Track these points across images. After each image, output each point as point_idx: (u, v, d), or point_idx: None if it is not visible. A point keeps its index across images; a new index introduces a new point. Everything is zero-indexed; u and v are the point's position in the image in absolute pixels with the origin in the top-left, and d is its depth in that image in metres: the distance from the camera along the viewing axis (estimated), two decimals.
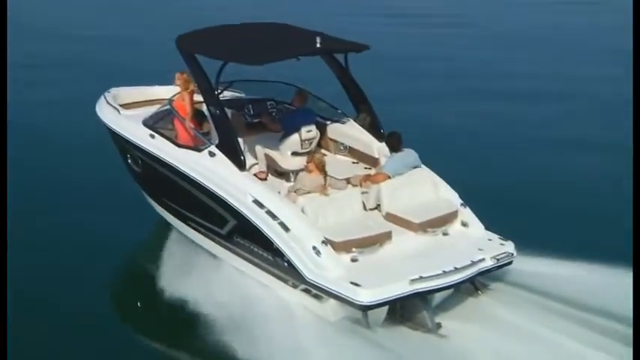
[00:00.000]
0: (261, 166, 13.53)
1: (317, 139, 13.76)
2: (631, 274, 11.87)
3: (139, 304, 12.70)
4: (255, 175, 13.07)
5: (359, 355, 10.72)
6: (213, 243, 12.98)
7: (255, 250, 12.03)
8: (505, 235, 12.17)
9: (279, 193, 12.47)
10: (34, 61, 26.68)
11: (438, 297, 11.45)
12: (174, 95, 13.73)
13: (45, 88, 23.77)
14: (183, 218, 13.56)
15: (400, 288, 10.94)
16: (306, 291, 11.53)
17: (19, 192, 15.74)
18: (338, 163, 13.61)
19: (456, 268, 11.25)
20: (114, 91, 15.29)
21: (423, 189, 12.62)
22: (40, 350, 11.67)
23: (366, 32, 23.02)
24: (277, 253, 11.58)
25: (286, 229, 11.56)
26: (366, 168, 13.61)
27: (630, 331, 10.85)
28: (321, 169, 12.15)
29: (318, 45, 12.55)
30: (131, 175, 14.66)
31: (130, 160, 14.28)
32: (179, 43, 13.28)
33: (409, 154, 12.93)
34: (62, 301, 12.80)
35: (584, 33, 32.97)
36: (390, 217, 12.24)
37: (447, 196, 12.65)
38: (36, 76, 25.00)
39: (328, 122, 14.25)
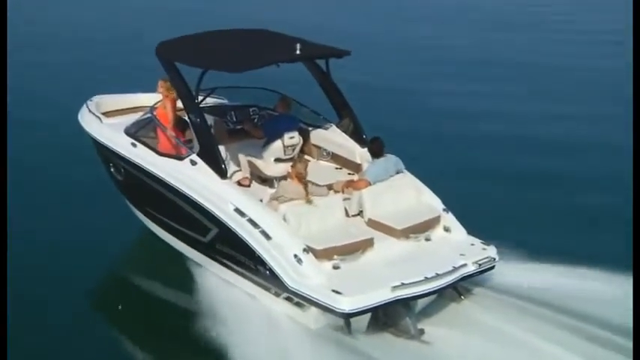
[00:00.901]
0: (245, 173, 13.49)
1: (300, 145, 13.72)
2: (616, 279, 11.94)
3: (119, 307, 12.76)
4: (238, 181, 13.01)
5: None
6: (195, 251, 12.92)
7: (237, 258, 11.97)
8: (487, 240, 12.13)
9: (261, 200, 12.43)
10: (34, 59, 26.67)
11: (420, 303, 11.39)
12: (157, 103, 13.65)
13: (45, 87, 23.75)
14: (166, 227, 13.49)
15: (382, 295, 10.90)
16: (288, 299, 11.47)
17: (20, 192, 15.69)
18: (321, 169, 13.56)
19: (438, 274, 11.21)
20: (96, 99, 15.19)
21: (405, 195, 12.58)
22: (40, 350, 11.67)
23: None
24: (259, 261, 11.54)
25: (268, 237, 11.52)
26: (349, 174, 13.56)
27: (618, 337, 10.90)
28: (301, 179, 12.08)
29: (298, 51, 12.47)
30: (114, 183, 14.60)
31: (112, 169, 14.21)
32: (158, 51, 13.20)
33: (391, 160, 12.86)
34: (62, 301, 12.80)
35: None
36: (372, 224, 12.19)
37: (429, 202, 12.61)
38: (36, 74, 25.00)
39: (311, 128, 14.23)
